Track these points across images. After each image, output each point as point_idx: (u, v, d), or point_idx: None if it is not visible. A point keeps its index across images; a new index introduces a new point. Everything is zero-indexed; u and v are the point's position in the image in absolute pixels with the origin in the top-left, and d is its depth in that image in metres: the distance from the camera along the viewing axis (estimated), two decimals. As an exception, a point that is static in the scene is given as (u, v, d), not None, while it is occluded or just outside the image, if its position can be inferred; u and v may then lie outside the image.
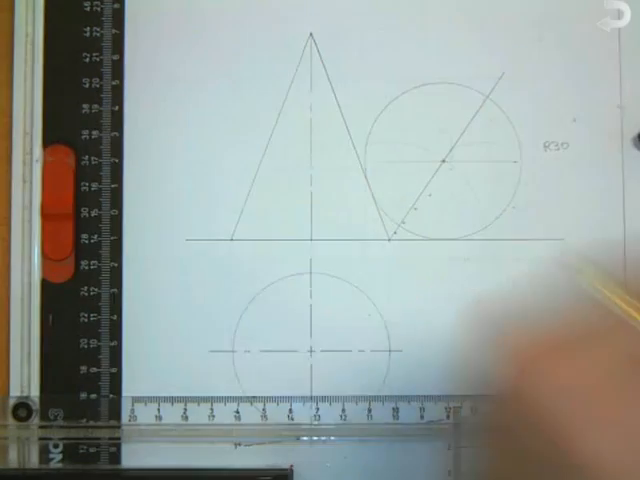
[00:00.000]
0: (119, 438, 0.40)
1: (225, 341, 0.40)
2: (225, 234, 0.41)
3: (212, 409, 0.40)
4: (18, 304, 0.40)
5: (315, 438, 0.40)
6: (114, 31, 0.41)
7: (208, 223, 0.41)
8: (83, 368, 0.40)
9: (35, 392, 0.40)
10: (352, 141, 0.41)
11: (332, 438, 0.40)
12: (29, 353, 0.40)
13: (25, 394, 0.40)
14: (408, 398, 0.40)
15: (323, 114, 0.41)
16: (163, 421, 0.40)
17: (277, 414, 0.40)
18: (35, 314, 0.40)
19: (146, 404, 0.40)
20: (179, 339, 0.40)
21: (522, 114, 0.41)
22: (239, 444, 0.40)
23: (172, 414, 0.40)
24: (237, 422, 0.40)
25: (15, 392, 0.40)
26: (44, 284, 0.40)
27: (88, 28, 0.41)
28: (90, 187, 0.41)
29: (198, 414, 0.40)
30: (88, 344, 0.40)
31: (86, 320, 0.40)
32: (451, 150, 0.41)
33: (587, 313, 0.25)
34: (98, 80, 0.41)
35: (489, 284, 0.41)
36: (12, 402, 0.39)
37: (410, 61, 0.41)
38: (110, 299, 0.40)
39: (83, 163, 0.41)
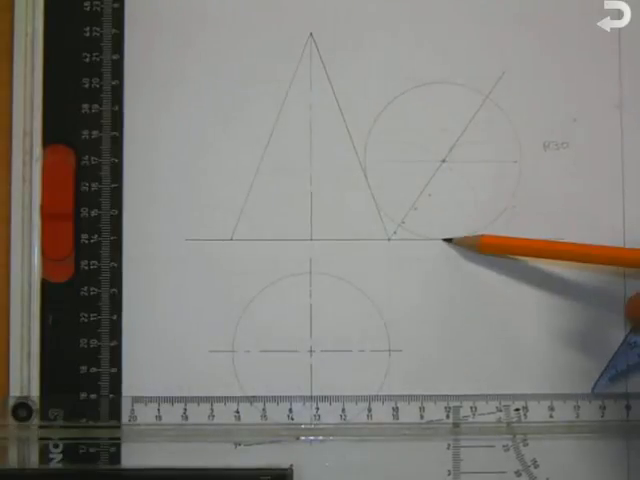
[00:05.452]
0: (119, 438, 0.40)
1: (225, 341, 0.40)
2: (225, 234, 0.41)
3: (212, 409, 0.40)
4: (18, 304, 0.40)
5: (315, 438, 0.40)
6: (114, 31, 0.41)
7: (208, 223, 0.41)
8: (83, 368, 0.40)
9: (35, 392, 0.40)
10: (352, 141, 0.41)
11: (332, 438, 0.40)
12: (29, 353, 0.40)
13: (25, 394, 0.40)
14: (408, 398, 0.40)
15: (323, 114, 0.41)
16: (163, 421, 0.40)
17: (277, 414, 0.40)
18: (35, 314, 0.40)
19: (146, 404, 0.40)
20: (179, 339, 0.40)
21: (522, 114, 0.41)
22: (239, 444, 0.40)
23: (172, 414, 0.40)
24: (237, 422, 0.40)
25: (15, 392, 0.40)
26: (44, 284, 0.40)
27: (88, 28, 0.41)
28: (90, 187, 0.40)
29: (198, 414, 0.40)
30: (88, 344, 0.40)
31: (86, 320, 0.40)
32: (451, 150, 0.41)
33: None
34: (98, 80, 0.41)
35: (489, 284, 0.41)
36: (12, 402, 0.39)
37: (410, 61, 0.41)
38: (110, 299, 0.40)
39: (83, 163, 0.40)
